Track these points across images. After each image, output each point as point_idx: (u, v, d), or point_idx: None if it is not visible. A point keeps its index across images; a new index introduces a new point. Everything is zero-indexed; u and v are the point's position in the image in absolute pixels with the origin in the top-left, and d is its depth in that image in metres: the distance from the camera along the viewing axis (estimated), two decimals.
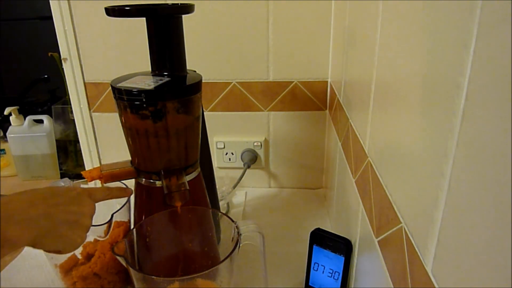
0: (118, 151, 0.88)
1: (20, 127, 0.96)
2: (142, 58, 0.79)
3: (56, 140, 0.96)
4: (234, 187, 0.85)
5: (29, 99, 1.19)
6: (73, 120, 0.93)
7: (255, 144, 0.85)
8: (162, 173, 0.53)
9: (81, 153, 0.95)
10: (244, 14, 0.76)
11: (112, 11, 0.49)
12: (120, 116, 0.52)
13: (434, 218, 0.26)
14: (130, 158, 0.56)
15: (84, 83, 0.83)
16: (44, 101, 1.14)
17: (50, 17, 0.77)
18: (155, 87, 0.49)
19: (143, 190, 0.56)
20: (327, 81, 0.81)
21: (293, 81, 0.81)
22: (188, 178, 0.55)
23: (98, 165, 0.58)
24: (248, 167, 0.86)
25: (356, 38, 0.54)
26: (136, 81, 0.51)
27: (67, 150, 0.97)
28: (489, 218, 0.20)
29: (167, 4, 0.54)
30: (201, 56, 0.79)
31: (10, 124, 0.97)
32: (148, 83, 0.50)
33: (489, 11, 0.20)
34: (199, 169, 0.58)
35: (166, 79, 0.51)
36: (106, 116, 0.86)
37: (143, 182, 0.56)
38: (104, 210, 0.64)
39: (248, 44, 0.78)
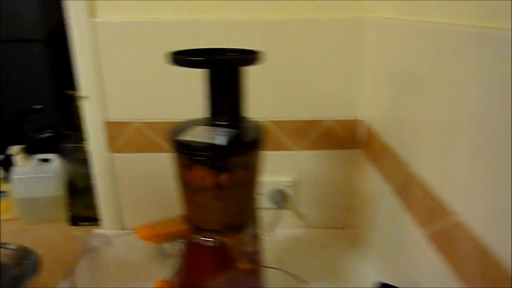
0: (141, 197, 0.83)
1: (26, 168, 0.88)
2: (173, 98, 0.76)
3: (66, 181, 0.89)
4: (269, 230, 0.81)
5: (33, 135, 1.11)
6: (85, 159, 0.87)
7: (284, 184, 0.82)
8: (222, 231, 0.49)
9: (91, 194, 0.89)
10: (275, 52, 0.74)
11: (175, 61, 0.46)
12: (179, 171, 0.48)
13: None
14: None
15: (104, 121, 0.78)
16: (47, 137, 1.06)
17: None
18: (227, 142, 0.45)
19: (195, 249, 0.52)
20: (358, 120, 0.79)
21: (323, 120, 0.79)
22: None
23: (150, 223, 0.52)
24: (279, 207, 0.82)
25: (413, 79, 0.53)
26: (198, 133, 0.47)
27: (76, 191, 0.90)
28: None
29: (234, 55, 0.50)
30: None
31: (10, 163, 0.90)
32: (214, 136, 0.46)
33: None
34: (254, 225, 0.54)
35: (232, 131, 0.48)
36: (128, 157, 0.80)
37: (197, 241, 0.51)
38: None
39: (279, 82, 0.76)
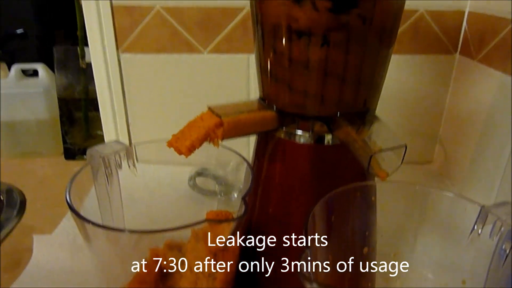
0: (155, 112, 0.62)
1: (3, 81, 0.66)
2: None
3: (58, 100, 0.67)
4: None
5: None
6: (84, 69, 0.65)
7: None
8: (334, 120, 0.28)
9: (93, 119, 0.68)
10: None
11: None
12: (265, 11, 0.27)
13: None
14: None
15: (112, 7, 0.55)
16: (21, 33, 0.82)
17: None
18: None
19: (285, 151, 0.31)
20: (463, 11, 0.58)
21: (417, 10, 0.57)
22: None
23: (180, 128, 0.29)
24: None
25: None
26: None
27: (73, 115, 0.68)
28: None
29: None
30: None
31: None
32: None
33: None
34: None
35: None
36: (140, 59, 0.58)
37: (286, 137, 0.30)
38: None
39: None
